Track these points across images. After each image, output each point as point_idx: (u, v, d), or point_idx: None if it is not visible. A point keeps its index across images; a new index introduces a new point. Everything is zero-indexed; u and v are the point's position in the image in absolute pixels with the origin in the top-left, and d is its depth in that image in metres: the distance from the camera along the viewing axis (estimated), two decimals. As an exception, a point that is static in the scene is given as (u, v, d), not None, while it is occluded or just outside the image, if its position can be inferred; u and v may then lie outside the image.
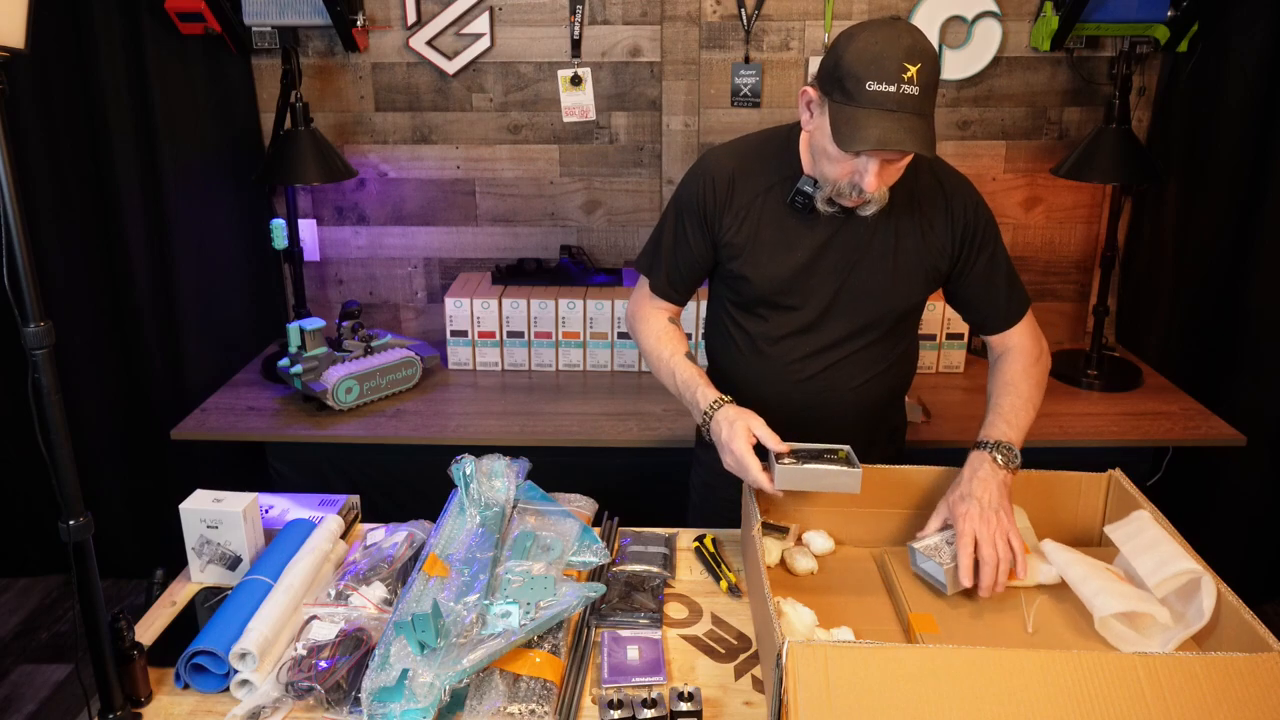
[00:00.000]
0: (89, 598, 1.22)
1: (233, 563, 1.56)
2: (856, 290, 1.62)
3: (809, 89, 1.48)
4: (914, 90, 1.35)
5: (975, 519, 1.44)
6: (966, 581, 1.42)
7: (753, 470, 1.46)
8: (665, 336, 1.72)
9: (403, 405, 2.50)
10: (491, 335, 2.68)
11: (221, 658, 1.31)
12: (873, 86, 1.35)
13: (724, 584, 1.55)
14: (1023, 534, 1.51)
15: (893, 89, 1.35)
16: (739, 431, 1.48)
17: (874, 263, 1.61)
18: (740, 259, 1.64)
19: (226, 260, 2.79)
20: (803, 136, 1.60)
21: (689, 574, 1.60)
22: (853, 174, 1.46)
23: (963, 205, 1.62)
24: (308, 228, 2.84)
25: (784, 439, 1.50)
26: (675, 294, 1.74)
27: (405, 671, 1.24)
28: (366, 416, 2.44)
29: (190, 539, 1.56)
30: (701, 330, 2.50)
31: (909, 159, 1.47)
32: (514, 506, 1.62)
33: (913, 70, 1.35)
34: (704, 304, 1.88)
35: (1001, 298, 1.68)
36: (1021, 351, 1.68)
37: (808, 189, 1.56)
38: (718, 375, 1.77)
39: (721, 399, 1.56)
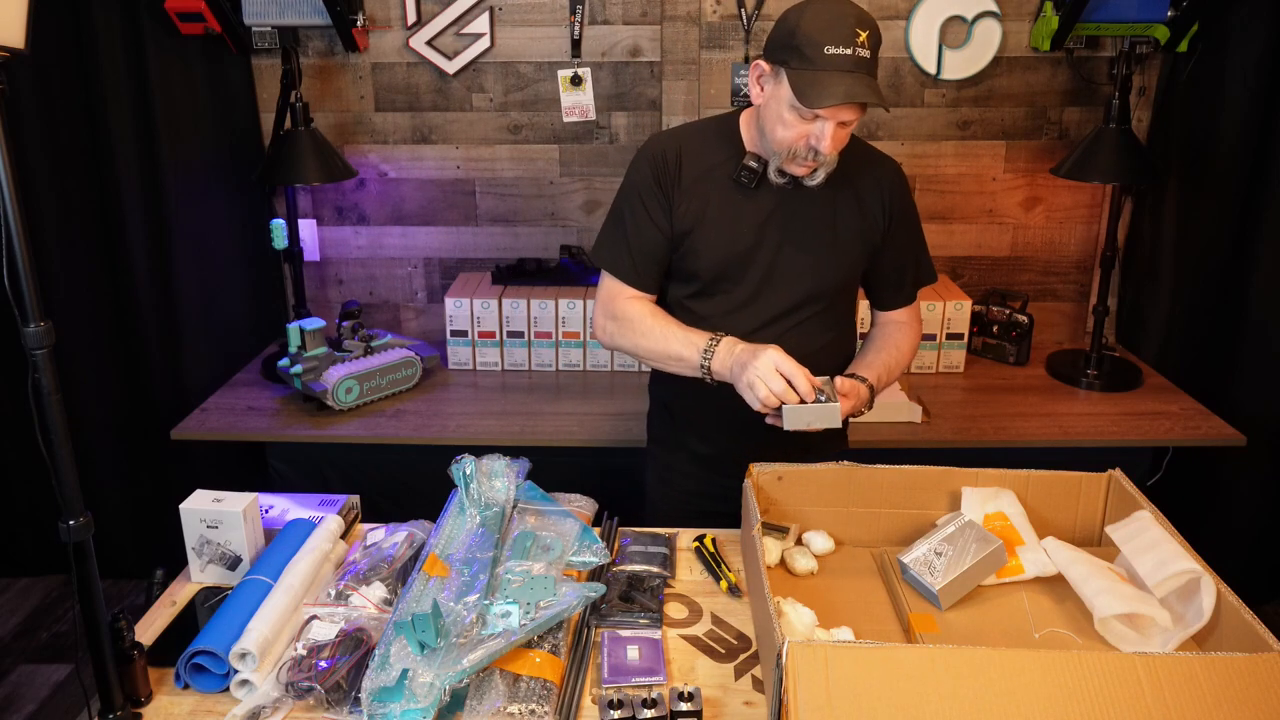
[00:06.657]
0: (89, 598, 1.22)
1: (233, 563, 1.56)
2: (796, 262, 1.68)
3: (760, 63, 1.57)
4: (865, 53, 1.47)
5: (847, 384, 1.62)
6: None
7: (801, 380, 1.50)
8: (660, 311, 1.71)
9: (403, 405, 2.50)
10: (491, 335, 2.68)
11: (221, 658, 1.31)
12: (830, 50, 1.45)
13: (724, 584, 1.55)
14: (1014, 519, 1.53)
15: (849, 52, 1.46)
16: (767, 361, 1.51)
17: (814, 235, 1.69)
18: (691, 235, 1.68)
19: (226, 260, 2.79)
20: (744, 116, 1.68)
21: (689, 574, 1.60)
22: (809, 137, 1.54)
23: (889, 175, 1.73)
24: (308, 228, 2.84)
25: (734, 419, 1.62)
26: (647, 280, 1.72)
27: (405, 671, 1.24)
28: (366, 416, 2.44)
29: (190, 539, 1.56)
30: None
31: (855, 125, 1.57)
32: (514, 506, 1.62)
33: (863, 35, 1.47)
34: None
35: (909, 276, 1.80)
36: (914, 331, 1.83)
37: (753, 164, 1.64)
38: (667, 372, 1.79)
39: (716, 335, 1.62)
